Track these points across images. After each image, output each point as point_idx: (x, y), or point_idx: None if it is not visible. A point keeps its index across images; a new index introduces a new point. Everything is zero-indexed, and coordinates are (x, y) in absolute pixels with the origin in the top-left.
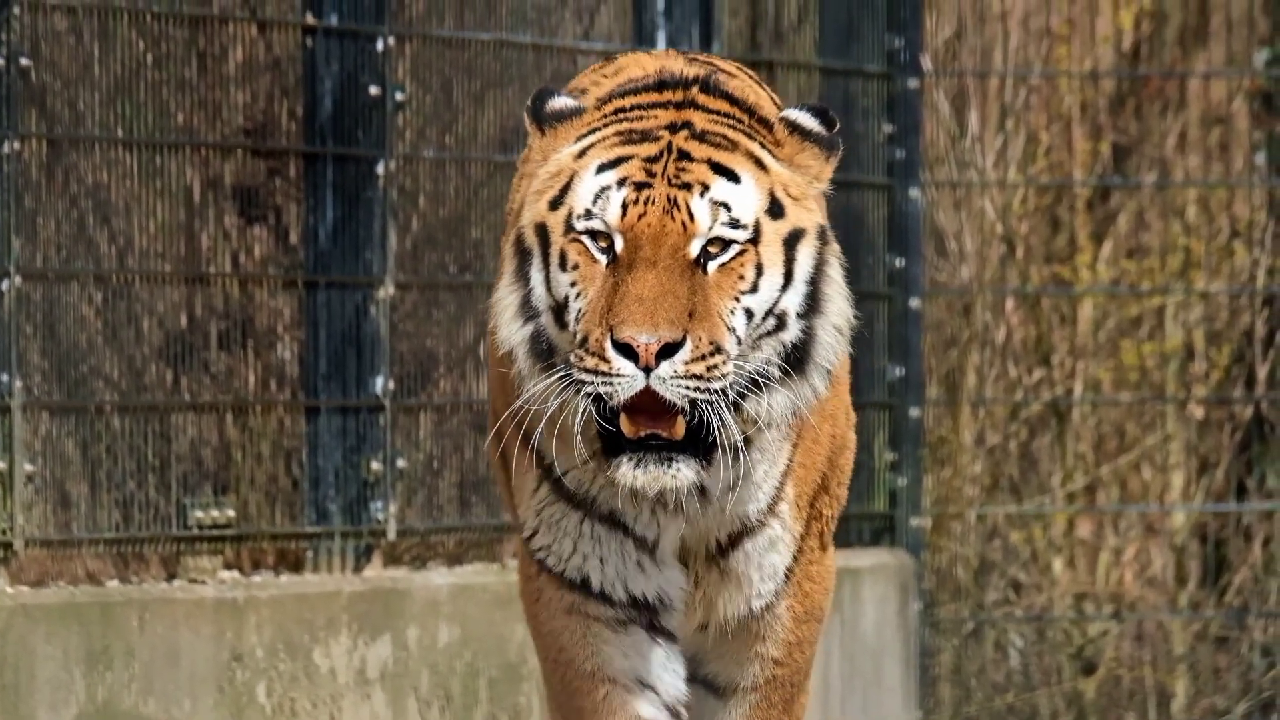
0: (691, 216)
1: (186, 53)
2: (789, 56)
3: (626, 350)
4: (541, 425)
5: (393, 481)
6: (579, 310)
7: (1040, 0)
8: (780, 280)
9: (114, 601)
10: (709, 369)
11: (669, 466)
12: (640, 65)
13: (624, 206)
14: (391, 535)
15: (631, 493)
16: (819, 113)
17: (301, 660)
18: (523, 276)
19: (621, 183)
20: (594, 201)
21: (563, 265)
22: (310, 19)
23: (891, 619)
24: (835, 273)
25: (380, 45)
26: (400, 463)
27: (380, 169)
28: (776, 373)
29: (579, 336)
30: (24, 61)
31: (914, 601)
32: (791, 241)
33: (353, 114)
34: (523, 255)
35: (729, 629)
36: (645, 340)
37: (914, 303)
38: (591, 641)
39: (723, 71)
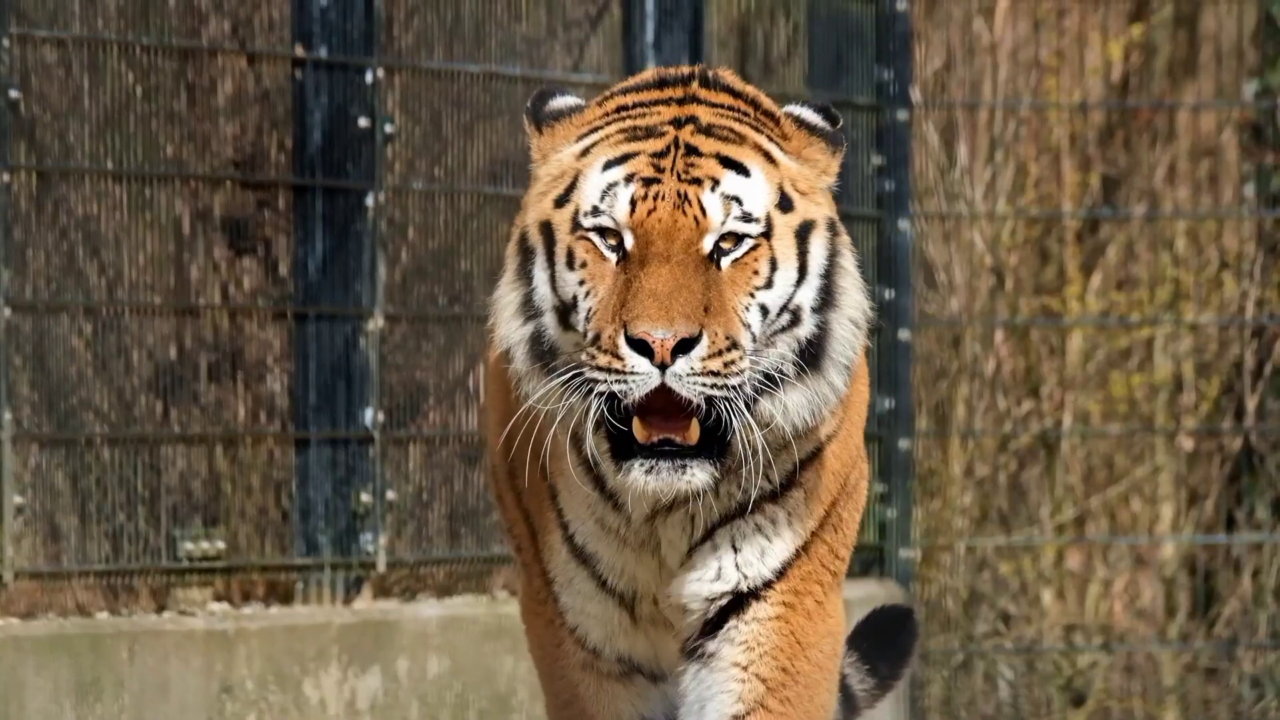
0: (704, 211)
1: (176, 85)
2: (778, 88)
3: (641, 346)
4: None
5: (382, 513)
6: (589, 309)
7: (1029, 32)
8: (794, 275)
9: (104, 633)
10: (726, 365)
11: (683, 472)
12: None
13: (633, 202)
14: (381, 567)
15: (642, 497)
16: (822, 109)
17: (291, 692)
18: (525, 275)
19: (629, 179)
20: (601, 198)
21: (570, 263)
22: (299, 51)
23: None
24: (849, 264)
25: (369, 77)
26: (390, 494)
27: (370, 201)
28: (792, 370)
29: (590, 335)
30: (13, 94)
31: None
32: (803, 234)
33: (342, 146)
34: (525, 254)
35: (709, 652)
36: (661, 335)
37: (903, 334)
38: (605, 698)
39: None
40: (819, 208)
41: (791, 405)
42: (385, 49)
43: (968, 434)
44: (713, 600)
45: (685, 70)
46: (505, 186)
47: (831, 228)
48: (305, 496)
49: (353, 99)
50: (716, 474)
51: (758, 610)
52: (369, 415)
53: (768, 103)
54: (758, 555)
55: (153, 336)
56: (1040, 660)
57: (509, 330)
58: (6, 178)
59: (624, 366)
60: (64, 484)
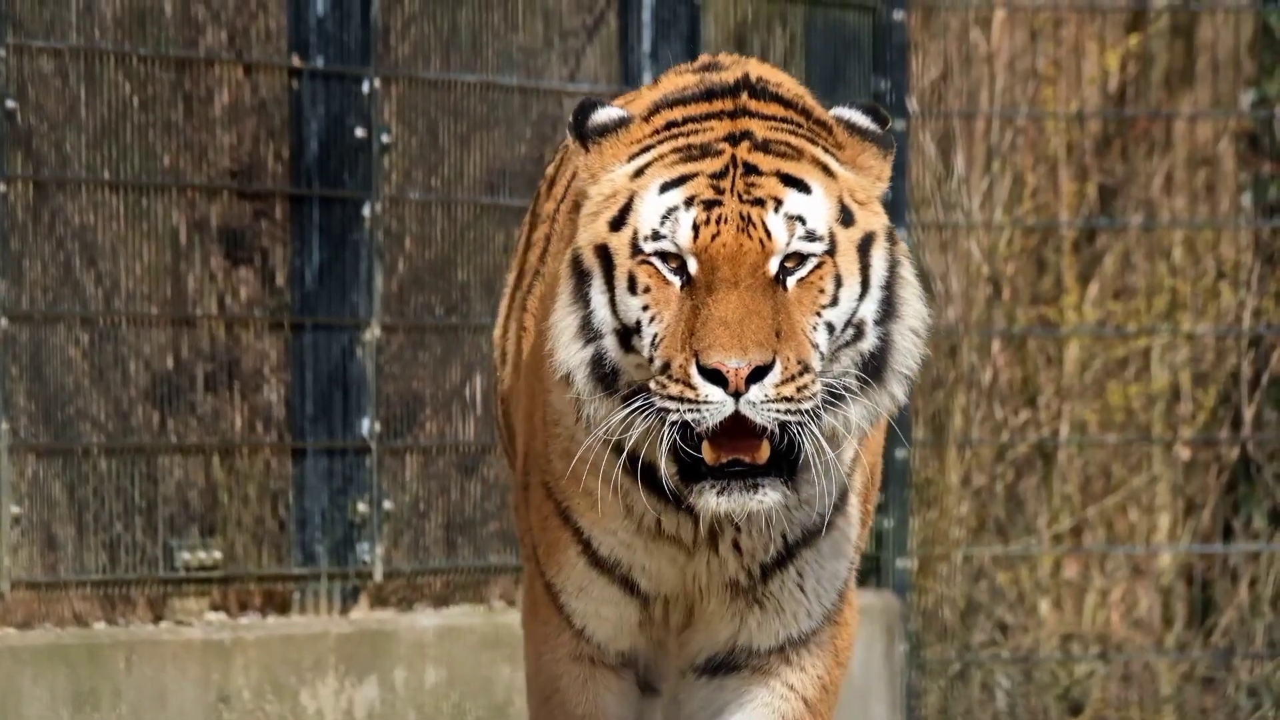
0: (768, 233)
1: (173, 95)
2: None
3: (715, 376)
4: (562, 486)
5: (379, 523)
6: (654, 335)
7: (1026, 42)
8: (858, 289)
9: (101, 643)
10: (799, 390)
11: (754, 492)
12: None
13: (695, 227)
14: (378, 577)
15: (714, 518)
16: (870, 110)
17: (289, 702)
18: (582, 298)
19: (689, 202)
20: (661, 222)
21: (632, 288)
22: (296, 61)
23: (878, 660)
24: (908, 273)
25: (366, 87)
26: (387, 504)
27: (366, 211)
28: (854, 384)
29: (659, 363)
30: (10, 104)
31: (900, 643)
32: (864, 247)
33: (339, 156)
34: (580, 276)
35: (752, 665)
36: (735, 365)
37: None
38: (591, 688)
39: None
40: (877, 217)
41: (854, 418)
42: (382, 59)
43: (965, 443)
44: (805, 638)
45: (732, 79)
46: (502, 196)
47: (890, 237)
48: (302, 506)
49: (349, 109)
50: (787, 493)
51: (819, 636)
52: (366, 425)
53: (817, 109)
54: (830, 580)
55: (149, 346)
56: (1037, 670)
57: (568, 355)
58: (3, 188)
59: (697, 396)
60: (61, 494)
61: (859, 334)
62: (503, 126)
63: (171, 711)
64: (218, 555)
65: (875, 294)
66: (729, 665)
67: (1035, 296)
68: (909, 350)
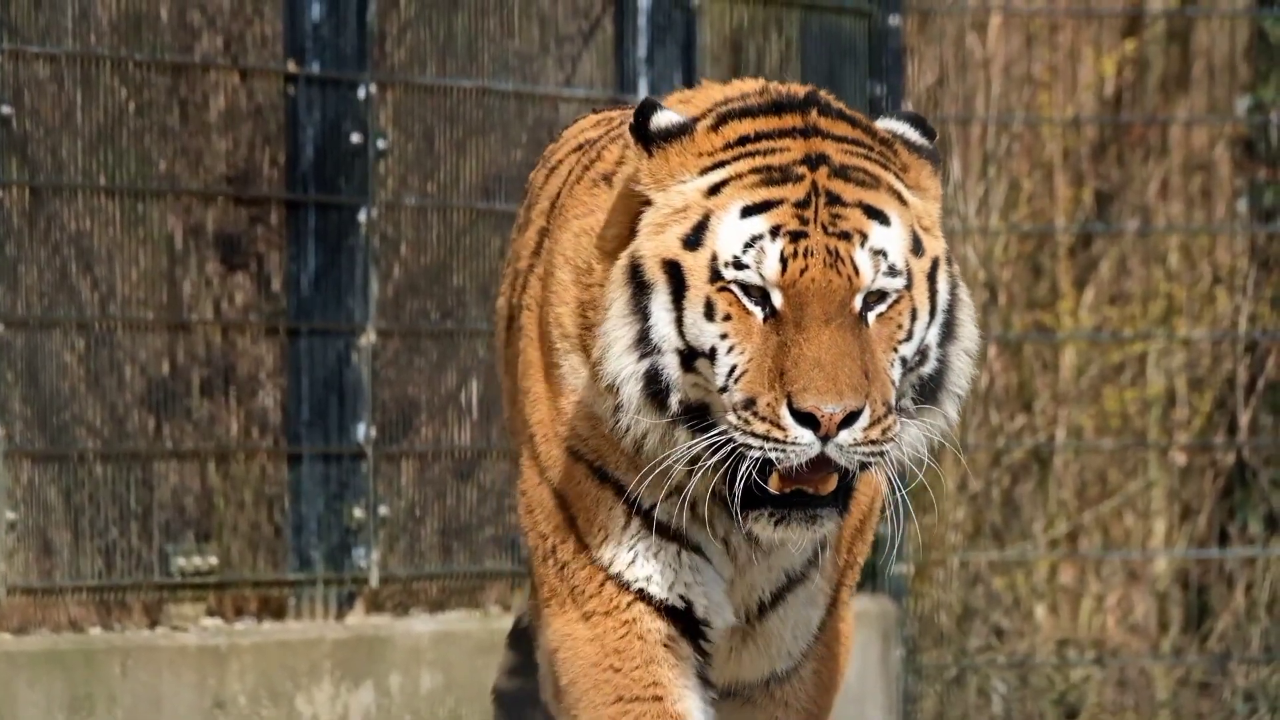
0: (856, 270)
1: (169, 100)
2: None
3: (806, 419)
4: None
5: (375, 528)
6: (732, 365)
7: (1022, 47)
8: (927, 318)
9: (96, 649)
10: (884, 432)
11: (813, 523)
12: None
13: (783, 260)
14: (374, 582)
15: (768, 544)
16: (917, 122)
17: (284, 707)
18: (639, 310)
19: (775, 232)
20: (744, 250)
21: (709, 315)
22: (292, 67)
23: (874, 665)
24: (965, 295)
25: (362, 93)
26: (382, 510)
27: (362, 216)
28: (911, 405)
29: (739, 397)
30: (6, 109)
31: (896, 648)
32: (932, 274)
33: (335, 161)
34: (640, 287)
35: (743, 695)
36: (830, 410)
37: None
38: (677, 675)
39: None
40: (939, 242)
41: (909, 440)
42: (378, 64)
43: (961, 449)
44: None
45: (799, 93)
46: (498, 201)
47: (949, 260)
48: (298, 512)
49: (345, 114)
50: (841, 522)
51: (803, 669)
52: (361, 430)
53: (877, 127)
54: (804, 626)
55: (145, 352)
56: (1033, 674)
57: (619, 366)
58: None
59: (785, 437)
60: (57, 499)
61: (923, 359)
62: (499, 132)
63: (167, 717)
64: (213, 561)
65: (939, 318)
66: (723, 693)
67: (1031, 302)
68: (963, 371)
